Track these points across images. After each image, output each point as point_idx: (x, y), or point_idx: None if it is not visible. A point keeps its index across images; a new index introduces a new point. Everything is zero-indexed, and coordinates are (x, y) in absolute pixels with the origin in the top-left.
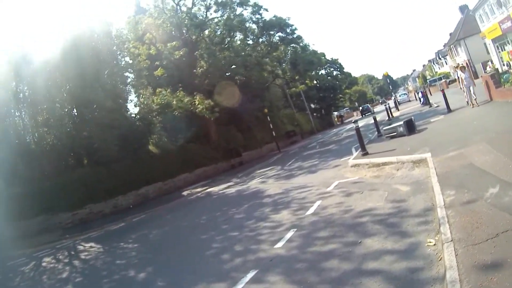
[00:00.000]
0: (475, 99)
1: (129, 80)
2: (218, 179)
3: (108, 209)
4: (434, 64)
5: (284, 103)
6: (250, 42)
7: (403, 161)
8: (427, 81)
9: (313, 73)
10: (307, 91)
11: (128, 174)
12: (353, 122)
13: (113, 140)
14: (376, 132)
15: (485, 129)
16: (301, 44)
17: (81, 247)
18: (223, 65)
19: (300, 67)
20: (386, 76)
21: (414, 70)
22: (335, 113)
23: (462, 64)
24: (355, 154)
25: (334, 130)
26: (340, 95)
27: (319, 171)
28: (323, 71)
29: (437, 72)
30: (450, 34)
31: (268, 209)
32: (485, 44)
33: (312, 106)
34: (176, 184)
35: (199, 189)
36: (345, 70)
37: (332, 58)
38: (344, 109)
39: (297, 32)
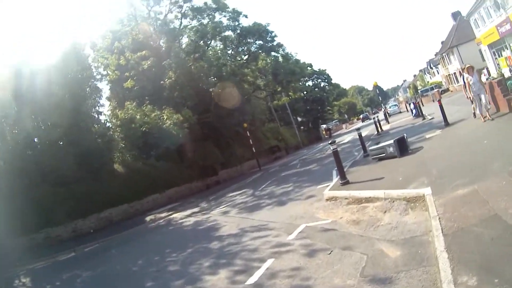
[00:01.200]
0: (488, 110)
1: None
2: (189, 201)
3: (66, 233)
4: (425, 73)
5: (269, 117)
6: (231, 51)
7: (393, 197)
8: (419, 91)
9: (300, 84)
10: (293, 103)
11: (89, 196)
12: (330, 144)
13: (70, 159)
14: (362, 151)
15: (503, 152)
16: (282, 53)
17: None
18: (194, 76)
19: (281, 77)
20: (376, 86)
21: (404, 81)
22: (323, 126)
23: (470, 64)
24: (334, 180)
25: (321, 144)
26: (328, 107)
27: (289, 203)
28: (310, 83)
29: (428, 81)
30: (442, 42)
31: (207, 263)
32: (480, 50)
33: (299, 119)
34: (144, 207)
35: (163, 215)
36: (333, 81)
37: (319, 69)
38: (333, 121)
39: (279, 40)
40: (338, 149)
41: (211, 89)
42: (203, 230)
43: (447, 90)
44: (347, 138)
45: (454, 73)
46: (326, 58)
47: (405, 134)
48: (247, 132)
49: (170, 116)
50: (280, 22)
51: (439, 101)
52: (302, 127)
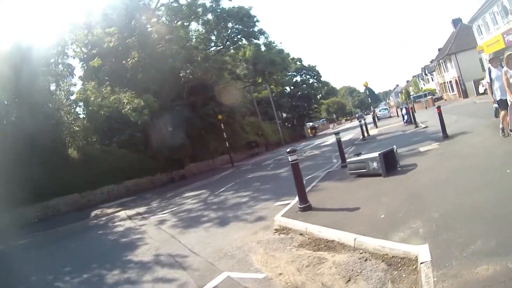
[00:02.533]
0: None
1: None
2: (144, 197)
3: (4, 223)
4: (419, 80)
5: (251, 110)
6: (213, 37)
7: (367, 250)
8: (411, 96)
9: (285, 77)
10: (279, 98)
11: (36, 181)
12: (288, 153)
13: (15, 139)
14: (340, 161)
15: None
16: (265, 41)
17: None
18: (163, 59)
19: (260, 67)
20: (366, 87)
21: (397, 85)
22: (309, 124)
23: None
24: (294, 201)
25: (302, 144)
26: (315, 105)
27: (232, 223)
28: (298, 78)
29: (422, 88)
30: (439, 49)
31: None
32: (480, 59)
33: (284, 115)
34: (96, 198)
35: (110, 211)
36: (322, 79)
37: (309, 65)
38: (320, 120)
39: (268, 30)
40: (317, 152)
41: (181, 74)
42: (122, 246)
43: (441, 98)
44: (330, 139)
45: (450, 81)
46: (319, 56)
47: (394, 146)
48: (222, 124)
49: (131, 100)
50: (275, 16)
51: (439, 108)
52: (286, 124)
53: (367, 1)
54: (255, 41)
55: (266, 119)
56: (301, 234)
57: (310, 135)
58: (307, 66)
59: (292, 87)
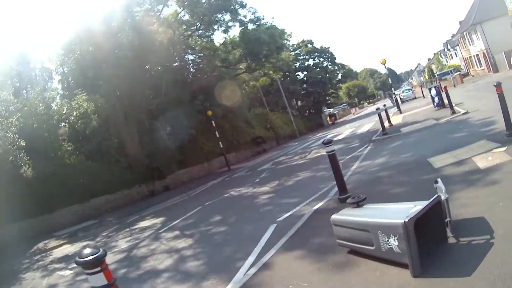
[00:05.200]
0: None
1: None
2: (104, 221)
3: None
4: (441, 56)
5: (258, 100)
6: (187, 17)
7: None
8: (435, 74)
9: (286, 60)
10: (290, 84)
11: None
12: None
13: None
14: (337, 189)
15: None
16: (251, 17)
17: None
18: (121, 51)
19: (248, 49)
20: (384, 65)
21: (419, 64)
22: (328, 110)
23: None
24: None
25: (317, 135)
26: (332, 91)
27: None
28: (310, 62)
29: (445, 65)
30: (460, 22)
31: None
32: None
33: (300, 103)
34: (56, 222)
35: (52, 244)
36: (338, 61)
37: (321, 46)
38: (341, 105)
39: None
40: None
41: (146, 67)
42: None
43: (468, 74)
44: (346, 131)
45: (477, 55)
46: (339, 40)
47: (441, 196)
48: (213, 121)
49: (79, 106)
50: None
51: (499, 87)
52: (300, 112)
53: None
54: (239, 17)
55: (277, 109)
56: None
57: (330, 122)
58: (319, 48)
59: (305, 72)
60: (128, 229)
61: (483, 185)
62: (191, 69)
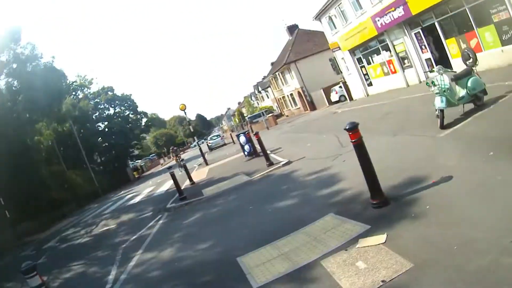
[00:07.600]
0: None
1: None
2: None
3: None
4: (252, 99)
5: (54, 158)
6: None
7: None
8: (246, 118)
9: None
10: (87, 138)
11: None
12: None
13: None
14: None
15: None
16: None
17: None
18: None
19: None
20: (184, 110)
21: (228, 109)
22: (136, 162)
23: None
24: None
25: (121, 193)
26: (135, 142)
27: None
28: (111, 110)
29: (256, 107)
30: (272, 63)
31: None
32: (333, 60)
33: (102, 158)
34: None
35: None
36: (140, 109)
37: (123, 94)
38: (150, 155)
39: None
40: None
41: None
42: None
43: (281, 114)
44: (146, 189)
45: (291, 94)
46: (144, 88)
47: None
48: None
49: None
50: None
51: (355, 133)
52: (105, 168)
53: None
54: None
55: (80, 165)
56: None
57: (136, 176)
58: (120, 95)
59: (106, 122)
60: None
61: None
62: None
